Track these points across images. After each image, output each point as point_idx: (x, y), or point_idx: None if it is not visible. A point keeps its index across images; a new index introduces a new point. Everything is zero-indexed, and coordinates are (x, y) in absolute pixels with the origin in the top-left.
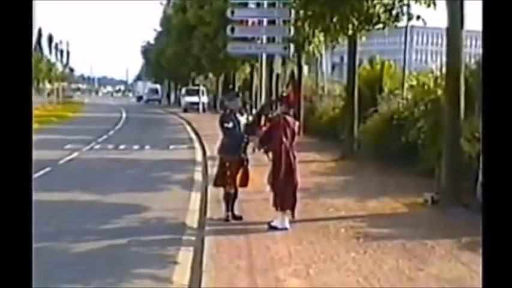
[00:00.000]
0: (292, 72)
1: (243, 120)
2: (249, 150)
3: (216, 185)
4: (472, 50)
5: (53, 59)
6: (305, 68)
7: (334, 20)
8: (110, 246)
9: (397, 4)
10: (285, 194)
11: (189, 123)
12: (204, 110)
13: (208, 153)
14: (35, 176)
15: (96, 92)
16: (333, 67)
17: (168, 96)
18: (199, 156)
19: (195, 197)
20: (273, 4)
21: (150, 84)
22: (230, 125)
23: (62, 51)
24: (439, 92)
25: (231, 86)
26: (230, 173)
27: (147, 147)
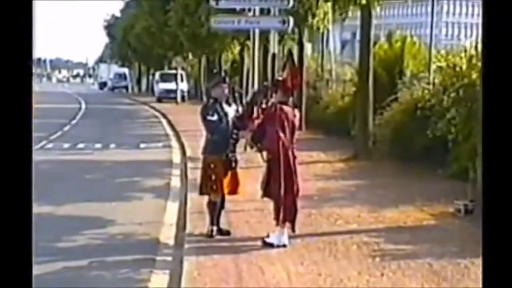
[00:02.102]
0: (290, 52)
1: (230, 111)
2: (239, 148)
3: (202, 192)
4: None
5: None
6: (308, 47)
7: None
8: (66, 268)
9: None
10: (282, 202)
11: (165, 116)
12: (183, 100)
13: (188, 153)
14: None
15: (49, 78)
16: (343, 45)
17: (139, 82)
18: (177, 157)
19: (172, 208)
20: None
21: (115, 68)
22: (214, 117)
23: None
24: (474, 75)
25: (215, 70)
26: (215, 177)
27: (111, 146)
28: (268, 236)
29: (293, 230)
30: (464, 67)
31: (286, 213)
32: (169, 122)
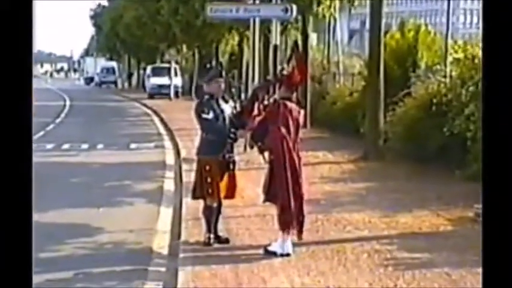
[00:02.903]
0: (296, 43)
1: (228, 108)
2: (239, 148)
3: (195, 196)
4: None
5: None
6: (313, 38)
7: None
8: (49, 282)
9: None
10: (286, 207)
11: (157, 114)
12: (177, 96)
13: (183, 154)
14: None
15: None
16: (351, 35)
17: (129, 77)
18: (170, 158)
19: (166, 214)
20: None
21: (103, 62)
22: (210, 115)
23: None
24: None
25: (210, 64)
26: (212, 179)
27: (99, 146)
28: (270, 244)
29: (299, 237)
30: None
31: (291, 219)
32: (162, 120)
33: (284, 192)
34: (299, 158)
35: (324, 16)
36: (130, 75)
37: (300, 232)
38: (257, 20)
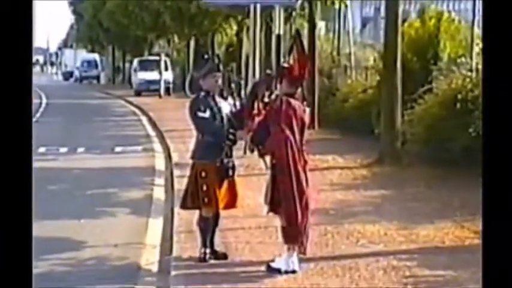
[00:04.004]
0: (297, 31)
1: (226, 107)
2: (238, 152)
3: (185, 206)
4: None
5: None
6: (321, 26)
7: None
8: None
9: None
10: (292, 218)
11: (145, 113)
12: (167, 92)
13: (175, 158)
14: None
15: None
16: (364, 24)
17: (113, 71)
18: (160, 163)
19: (155, 226)
20: None
21: (83, 54)
22: (206, 114)
23: None
24: None
25: (206, 56)
26: (207, 187)
27: (80, 150)
28: (274, 260)
29: (304, 252)
30: None
31: (297, 231)
32: (151, 120)
33: (288, 201)
34: (305, 163)
35: (333, 2)
36: (116, 70)
37: (305, 246)
38: (258, 7)
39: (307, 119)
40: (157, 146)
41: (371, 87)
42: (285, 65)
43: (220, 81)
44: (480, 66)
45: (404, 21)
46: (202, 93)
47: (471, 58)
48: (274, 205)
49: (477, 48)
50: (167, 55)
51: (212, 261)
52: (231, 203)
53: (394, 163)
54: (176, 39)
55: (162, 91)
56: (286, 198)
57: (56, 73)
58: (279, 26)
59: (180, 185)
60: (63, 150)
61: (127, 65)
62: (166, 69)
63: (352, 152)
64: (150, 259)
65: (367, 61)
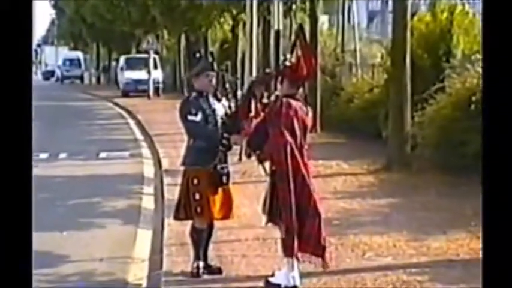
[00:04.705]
0: (300, 27)
1: (221, 109)
2: (232, 158)
3: (178, 217)
4: None
5: None
6: (324, 21)
7: None
8: None
9: None
10: (291, 229)
11: (133, 116)
12: (157, 93)
13: (165, 165)
14: None
15: None
16: (370, 18)
17: (98, 70)
18: (150, 170)
19: (144, 238)
20: None
21: (65, 52)
22: (198, 117)
23: None
24: None
25: (198, 54)
26: (200, 195)
27: (62, 156)
28: (273, 275)
29: (326, 266)
30: None
31: (297, 243)
32: (139, 123)
33: (289, 210)
34: (307, 169)
35: None
36: (101, 69)
37: (323, 257)
38: (255, 0)
39: (309, 121)
40: (146, 151)
41: (378, 86)
42: (287, 63)
43: (214, 81)
44: None
45: (413, 15)
46: (194, 94)
47: None
48: (273, 215)
49: None
50: (156, 52)
51: (206, 277)
52: (226, 213)
53: (403, 169)
54: (166, 35)
55: (151, 91)
56: (285, 207)
57: (35, 72)
58: (278, 21)
59: (171, 193)
60: (43, 156)
61: (113, 63)
62: (155, 67)
63: (357, 157)
64: (138, 274)
65: (374, 58)
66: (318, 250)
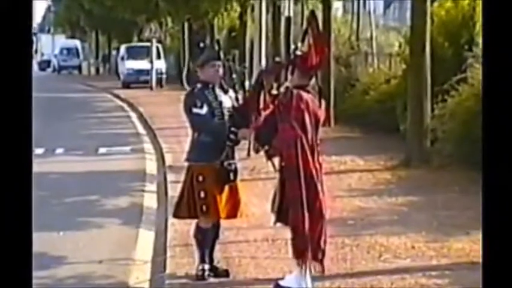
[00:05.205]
0: (313, 13)
1: (228, 101)
2: (240, 153)
3: (179, 214)
4: None
5: None
6: (338, 7)
7: None
8: None
9: None
10: (302, 230)
11: (135, 108)
12: (160, 84)
13: (168, 161)
14: None
15: None
16: (387, 4)
17: (97, 60)
18: (152, 166)
19: (146, 239)
20: None
21: (63, 40)
22: (203, 110)
23: None
24: None
25: (202, 44)
26: (206, 193)
27: (58, 151)
28: (283, 278)
29: (322, 270)
30: None
31: (309, 245)
32: (141, 116)
33: (298, 209)
34: (320, 165)
35: None
36: (103, 59)
37: (321, 262)
38: None
39: (321, 114)
40: (148, 146)
41: (395, 77)
42: (298, 52)
43: (220, 71)
44: None
45: (434, 0)
46: (199, 85)
47: None
48: (282, 214)
49: None
50: (159, 41)
51: (212, 279)
52: (233, 212)
53: (423, 165)
54: (170, 22)
55: (153, 82)
56: (295, 206)
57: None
58: (288, 7)
59: (175, 191)
60: (39, 151)
61: (113, 52)
62: (158, 57)
63: (373, 153)
64: (140, 277)
65: (391, 47)
66: (317, 254)
